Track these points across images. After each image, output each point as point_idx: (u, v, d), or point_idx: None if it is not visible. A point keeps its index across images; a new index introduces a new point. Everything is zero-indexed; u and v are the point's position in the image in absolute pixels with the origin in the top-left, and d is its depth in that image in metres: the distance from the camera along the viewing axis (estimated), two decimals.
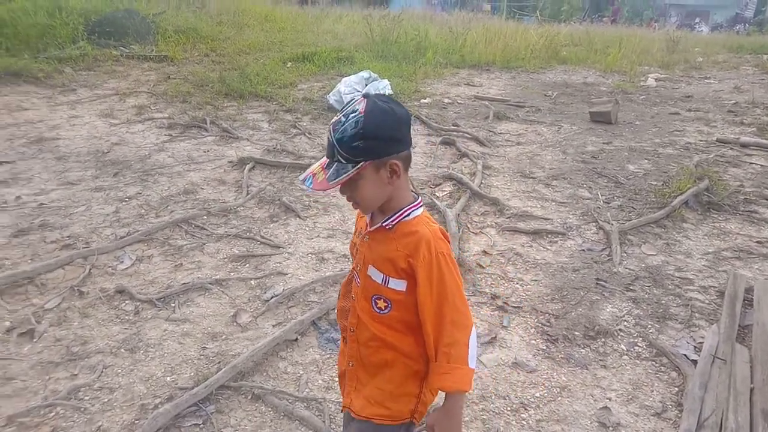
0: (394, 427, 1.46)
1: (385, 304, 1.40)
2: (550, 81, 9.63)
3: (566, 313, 3.11)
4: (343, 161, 1.27)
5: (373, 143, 1.26)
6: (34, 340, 2.75)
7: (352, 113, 1.27)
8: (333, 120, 1.30)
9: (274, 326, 2.95)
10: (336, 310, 1.65)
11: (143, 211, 4.16)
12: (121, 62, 8.51)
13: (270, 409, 2.37)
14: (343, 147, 1.26)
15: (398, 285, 1.37)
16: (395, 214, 1.38)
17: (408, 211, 1.38)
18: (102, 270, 3.38)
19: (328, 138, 1.28)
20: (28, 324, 2.85)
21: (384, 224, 1.39)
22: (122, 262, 3.48)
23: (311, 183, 1.29)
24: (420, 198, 1.42)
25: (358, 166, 1.27)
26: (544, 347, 2.83)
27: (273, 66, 8.88)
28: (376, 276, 1.39)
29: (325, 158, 1.32)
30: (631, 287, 3.39)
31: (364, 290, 1.43)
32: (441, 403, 1.41)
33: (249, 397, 2.44)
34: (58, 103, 6.70)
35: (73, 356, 2.64)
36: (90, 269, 3.35)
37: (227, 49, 9.82)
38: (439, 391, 1.43)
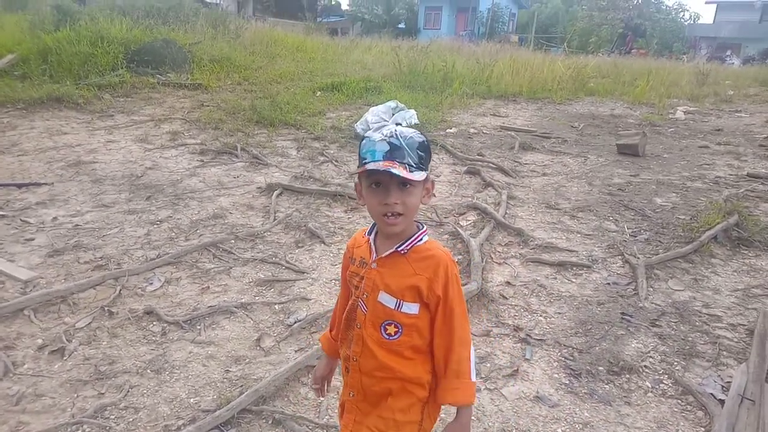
0: None
1: (396, 330, 1.43)
2: (577, 112, 9.64)
3: (590, 347, 3.07)
4: (414, 165, 1.33)
5: (427, 158, 1.38)
6: (65, 358, 2.83)
7: (408, 130, 1.37)
8: (385, 132, 1.36)
9: (296, 351, 2.98)
10: (339, 343, 1.64)
11: (173, 234, 4.28)
12: (157, 89, 8.84)
13: None
14: (413, 152, 1.34)
15: (411, 309, 1.42)
16: (409, 239, 1.44)
17: (420, 236, 1.45)
18: (132, 291, 3.47)
19: (391, 143, 1.33)
20: (60, 342, 2.94)
21: (399, 249, 1.43)
22: (151, 283, 3.58)
23: (398, 171, 1.30)
24: (425, 226, 1.50)
25: (426, 172, 1.36)
26: (567, 382, 2.79)
27: (303, 95, 9.11)
28: (389, 301, 1.42)
29: (384, 161, 1.32)
30: (657, 323, 3.33)
31: (374, 317, 1.45)
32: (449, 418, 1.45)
33: (270, 422, 2.46)
34: (96, 128, 6.97)
35: (100, 375, 2.71)
36: (120, 290, 3.44)
37: (259, 78, 10.11)
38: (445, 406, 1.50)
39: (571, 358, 2.98)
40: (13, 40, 9.44)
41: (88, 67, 8.86)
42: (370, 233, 1.52)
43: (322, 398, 2.02)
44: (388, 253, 1.44)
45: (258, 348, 3.00)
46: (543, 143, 7.32)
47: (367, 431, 1.47)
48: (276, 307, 3.40)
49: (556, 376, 2.83)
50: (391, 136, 1.34)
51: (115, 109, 7.85)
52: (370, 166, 1.32)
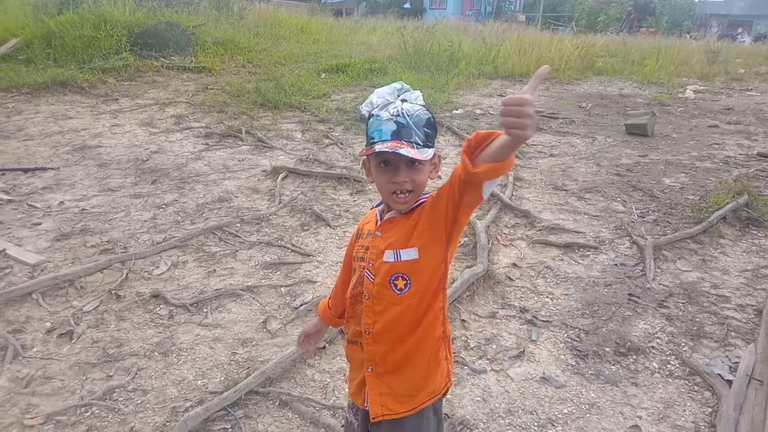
0: (439, 398, 1.51)
1: (404, 281, 1.42)
2: (585, 92, 9.52)
3: (597, 328, 3.06)
4: (421, 143, 1.33)
5: (433, 134, 1.38)
6: (73, 341, 2.85)
7: (413, 107, 1.36)
8: (391, 110, 1.35)
9: None
10: (345, 322, 1.62)
11: (179, 217, 4.28)
12: (161, 73, 8.79)
13: (297, 415, 2.40)
14: (420, 130, 1.34)
15: (410, 254, 1.41)
16: (414, 208, 1.45)
17: (422, 200, 1.46)
18: (138, 274, 3.49)
19: (398, 122, 1.33)
20: (68, 325, 2.96)
21: (403, 214, 1.46)
22: (158, 267, 3.59)
23: (406, 152, 1.30)
24: (428, 194, 1.47)
25: (433, 149, 1.37)
26: (574, 363, 2.78)
27: (307, 77, 9.04)
28: (389, 256, 1.43)
29: (392, 141, 1.32)
30: (664, 304, 3.32)
31: (382, 278, 1.44)
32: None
33: (277, 403, 2.47)
34: (101, 112, 6.96)
35: (109, 358, 2.73)
36: (127, 273, 3.46)
37: (263, 60, 10.04)
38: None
39: (578, 339, 2.97)
40: (17, 24, 9.40)
41: (91, 51, 8.82)
42: (378, 206, 1.55)
43: (302, 351, 2.12)
44: (389, 216, 1.46)
45: (264, 330, 3.02)
46: (550, 124, 7.25)
47: (399, 398, 1.46)
48: (282, 289, 3.41)
49: (562, 357, 2.83)
50: (398, 115, 1.34)
51: (120, 93, 7.83)
52: (378, 147, 1.32)
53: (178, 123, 6.66)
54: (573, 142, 6.50)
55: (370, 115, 1.41)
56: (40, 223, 4.12)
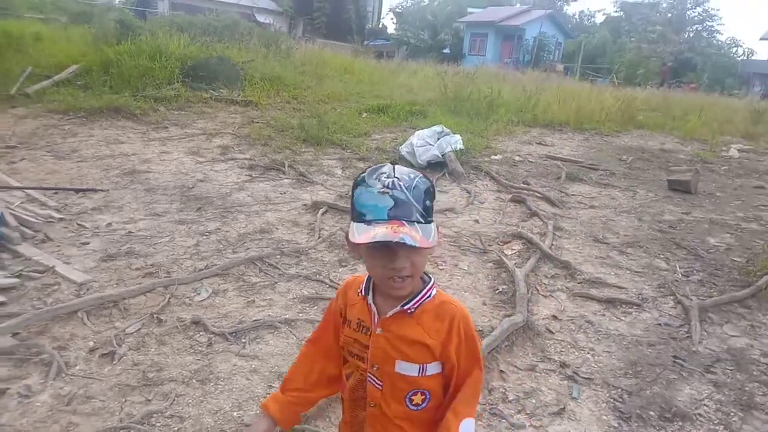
0: None
1: (423, 397, 1.28)
2: (625, 145, 9.47)
3: (640, 390, 2.96)
4: (422, 220, 1.16)
5: (433, 204, 1.21)
6: (114, 362, 2.89)
7: (409, 174, 1.19)
8: (384, 180, 1.17)
9: None
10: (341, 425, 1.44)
11: (221, 246, 4.36)
12: (210, 104, 9.12)
13: None
14: (420, 204, 1.17)
15: (435, 368, 1.28)
16: (416, 296, 1.27)
17: (429, 292, 1.29)
18: (180, 300, 3.54)
19: (395, 197, 1.15)
20: (110, 346, 3.01)
21: (405, 308, 1.27)
22: (199, 293, 3.64)
23: (412, 240, 1.12)
24: (432, 278, 1.33)
25: (434, 224, 1.19)
26: (616, 425, 2.69)
27: (349, 116, 9.24)
28: (411, 369, 1.26)
29: (390, 222, 1.14)
30: (711, 369, 3.19)
31: (394, 391, 1.28)
32: None
33: None
34: (151, 139, 7.22)
35: (148, 382, 2.76)
36: (169, 298, 3.51)
37: (308, 97, 10.32)
38: None
39: (621, 400, 2.88)
40: (79, 52, 9.93)
41: (145, 80, 9.22)
42: (366, 291, 1.33)
43: None
44: (393, 313, 1.27)
45: None
46: (590, 174, 7.21)
47: None
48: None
49: (604, 417, 2.74)
50: (393, 187, 1.15)
51: (170, 121, 8.12)
52: (377, 234, 1.12)
53: (224, 153, 6.86)
54: (614, 195, 6.44)
55: (357, 182, 1.21)
56: (88, 243, 4.25)
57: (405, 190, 1.16)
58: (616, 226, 5.39)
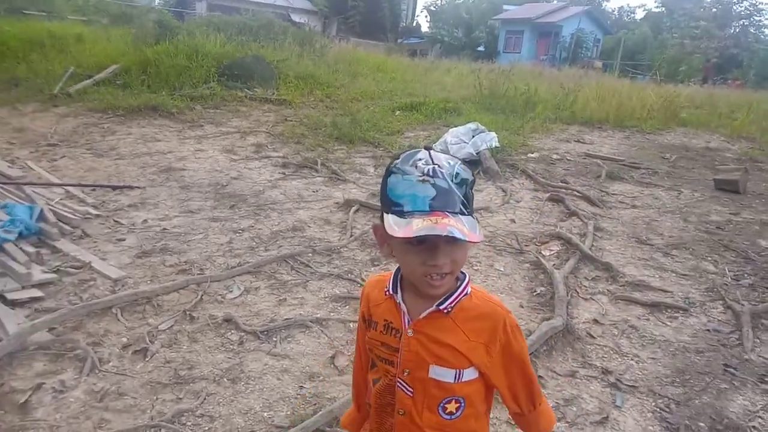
0: None
1: (458, 405, 1.18)
2: (668, 143, 9.12)
3: (689, 399, 2.79)
4: (466, 212, 1.05)
5: (473, 194, 1.11)
6: (147, 359, 2.89)
7: (449, 160, 1.08)
8: (422, 166, 1.06)
9: None
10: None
11: (254, 243, 4.35)
12: (244, 103, 9.19)
13: None
14: (465, 195, 1.07)
15: (472, 374, 1.18)
16: (452, 294, 1.16)
17: (465, 289, 1.17)
18: (212, 297, 3.53)
19: (437, 186, 1.03)
20: (143, 342, 3.01)
21: (441, 308, 1.16)
22: (231, 291, 3.62)
23: (463, 235, 1.01)
24: (466, 274, 1.21)
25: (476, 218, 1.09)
26: None
27: (382, 113, 9.18)
28: (446, 375, 1.16)
29: (432, 213, 1.03)
30: (765, 379, 2.99)
31: (427, 398, 1.18)
32: None
33: None
34: (187, 137, 7.30)
35: (179, 380, 2.74)
36: (202, 295, 3.51)
37: (341, 95, 10.30)
38: None
39: (668, 410, 2.72)
40: (118, 52, 10.15)
41: (182, 79, 9.36)
42: (394, 290, 1.21)
43: None
44: (427, 313, 1.16)
45: (332, 366, 2.95)
46: (632, 173, 6.95)
47: None
48: (350, 324, 3.34)
49: (651, 428, 2.59)
50: (434, 175, 1.04)
51: (205, 119, 8.21)
52: (420, 228, 1.00)
53: (258, 151, 6.88)
54: (657, 194, 6.19)
55: (390, 170, 1.09)
56: (124, 239, 4.29)
57: (447, 178, 1.05)
58: (660, 226, 5.17)
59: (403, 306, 1.18)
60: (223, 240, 4.37)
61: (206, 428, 2.42)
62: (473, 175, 1.12)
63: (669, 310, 3.66)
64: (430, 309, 1.15)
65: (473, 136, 7.13)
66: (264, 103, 9.34)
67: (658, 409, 2.72)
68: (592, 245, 4.56)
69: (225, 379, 2.77)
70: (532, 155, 7.51)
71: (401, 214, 1.04)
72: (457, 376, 1.16)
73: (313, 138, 7.51)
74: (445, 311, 1.16)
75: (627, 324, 3.46)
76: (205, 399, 2.61)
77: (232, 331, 3.18)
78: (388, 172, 1.10)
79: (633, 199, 6.00)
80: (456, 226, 1.01)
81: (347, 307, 3.56)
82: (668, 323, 3.52)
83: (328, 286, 3.80)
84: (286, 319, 3.32)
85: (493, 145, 7.05)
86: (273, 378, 2.81)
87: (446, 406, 1.18)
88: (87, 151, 6.50)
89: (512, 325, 1.19)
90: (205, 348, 3.02)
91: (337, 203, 5.34)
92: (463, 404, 1.18)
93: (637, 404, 2.75)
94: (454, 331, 1.15)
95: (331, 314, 3.45)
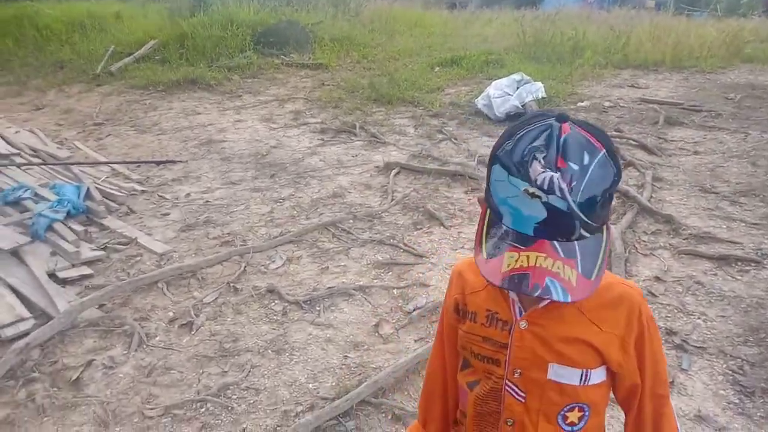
0: None
1: (581, 414, 0.98)
2: (732, 82, 8.43)
3: (765, 360, 2.57)
4: (588, 233, 0.82)
5: (613, 195, 0.85)
6: (192, 332, 2.90)
7: (584, 151, 0.81)
8: (540, 178, 0.79)
9: (416, 341, 2.81)
10: None
11: (295, 212, 4.29)
12: (281, 70, 9.07)
13: None
14: (593, 210, 0.81)
15: (601, 376, 0.97)
16: None
17: None
18: (255, 268, 3.50)
19: (550, 206, 0.80)
20: (188, 316, 3.01)
21: None
22: (274, 261, 3.59)
23: (566, 295, 0.79)
24: None
25: (605, 234, 0.86)
26: (737, 400, 2.34)
27: (421, 71, 8.87)
28: (571, 377, 0.95)
29: (535, 243, 0.82)
30: None
31: (545, 405, 0.97)
32: None
33: (389, 417, 2.31)
34: (226, 108, 7.28)
35: (224, 352, 2.73)
36: (245, 267, 3.48)
37: (378, 55, 10.02)
38: None
39: (741, 371, 2.51)
40: (155, 27, 10.18)
41: (219, 50, 9.30)
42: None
43: None
44: (545, 303, 0.95)
45: (376, 334, 2.87)
46: (692, 117, 6.45)
47: None
48: (394, 291, 3.25)
49: (722, 392, 2.39)
50: (550, 191, 0.78)
51: (243, 89, 8.15)
52: (507, 282, 0.80)
53: (296, 119, 6.78)
54: (721, 138, 5.72)
55: (496, 155, 0.85)
56: (168, 214, 4.32)
57: (569, 195, 0.78)
58: (726, 173, 4.78)
59: (512, 293, 0.97)
60: (264, 210, 4.33)
61: (251, 401, 2.40)
62: (618, 168, 0.83)
63: (739, 263, 3.37)
64: (548, 299, 0.91)
65: (518, 88, 6.77)
66: (300, 69, 9.19)
67: (729, 372, 2.51)
68: (651, 197, 4.26)
69: (269, 351, 2.74)
70: (582, 104, 7.09)
71: (498, 225, 0.85)
72: (584, 377, 0.95)
73: (350, 101, 7.33)
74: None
75: (692, 280, 3.22)
76: (249, 371, 2.59)
77: (276, 302, 3.14)
78: (494, 157, 0.85)
79: (695, 144, 5.57)
80: (558, 275, 0.79)
81: (390, 273, 3.46)
82: (739, 277, 3.25)
83: (371, 252, 3.70)
84: (329, 287, 3.26)
85: (540, 96, 6.69)
86: (317, 348, 2.76)
87: (567, 414, 0.98)
88: (131, 128, 6.58)
89: (648, 316, 0.98)
90: (249, 320, 2.99)
91: (377, 167, 5.20)
92: (587, 413, 0.98)
93: (706, 366, 2.55)
94: (580, 322, 0.94)
95: (374, 281, 3.36)
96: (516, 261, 0.81)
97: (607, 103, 7.11)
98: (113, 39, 9.84)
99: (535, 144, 0.81)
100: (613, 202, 0.85)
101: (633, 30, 10.84)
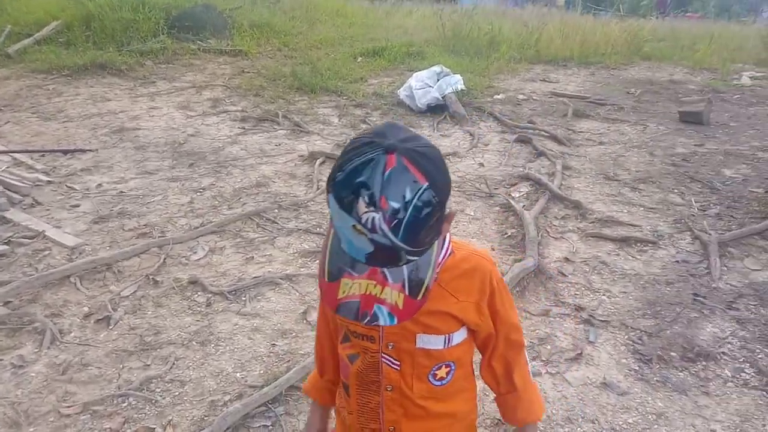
0: None
1: (448, 370, 1.12)
2: (633, 78, 9.09)
3: (660, 330, 2.84)
4: (415, 255, 0.88)
5: (444, 205, 0.90)
6: (110, 327, 2.78)
7: (407, 187, 0.82)
8: (364, 217, 0.81)
9: None
10: (346, 411, 1.22)
11: (216, 202, 4.19)
12: (198, 56, 8.73)
13: None
14: (417, 240, 0.86)
15: (462, 335, 1.11)
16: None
17: (448, 248, 1.07)
18: (176, 260, 3.40)
19: (375, 242, 0.83)
20: (105, 311, 2.89)
21: None
22: (195, 252, 3.50)
23: (392, 318, 0.87)
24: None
25: (436, 246, 0.93)
26: (637, 368, 2.58)
27: (344, 61, 8.86)
28: (436, 342, 1.08)
29: (367, 268, 0.87)
30: (734, 305, 3.06)
31: (416, 369, 1.10)
32: None
33: None
34: (139, 95, 6.93)
35: (146, 346, 2.65)
36: (165, 259, 3.37)
37: (299, 44, 9.89)
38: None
39: (640, 341, 2.76)
40: (58, 7, 9.44)
41: (130, 34, 8.79)
42: None
43: None
44: None
45: (305, 321, 2.89)
46: (598, 110, 6.91)
47: None
48: None
49: (624, 361, 2.62)
50: (373, 231, 0.82)
51: (157, 75, 7.79)
52: (343, 309, 0.87)
53: (215, 106, 6.58)
54: (623, 130, 6.18)
55: (330, 185, 0.86)
56: (78, 205, 4.09)
57: (390, 235, 0.82)
58: (627, 161, 5.17)
59: None
60: (183, 200, 4.20)
61: (176, 393, 2.35)
62: (442, 192, 0.88)
63: (638, 244, 3.69)
64: None
65: (438, 80, 6.94)
66: (218, 55, 8.89)
67: (630, 342, 2.76)
68: (561, 184, 4.54)
69: (194, 343, 2.68)
70: (498, 97, 7.39)
71: (337, 248, 0.90)
72: (447, 341, 1.09)
73: (272, 89, 7.21)
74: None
75: (597, 260, 3.48)
76: (173, 364, 2.53)
77: (199, 293, 3.08)
78: (329, 187, 0.87)
79: (600, 135, 5.98)
80: (385, 301, 0.86)
81: (317, 261, 3.47)
82: (638, 257, 3.55)
83: (297, 241, 3.70)
84: (255, 277, 3.23)
85: (459, 88, 6.89)
86: (244, 338, 2.74)
87: (436, 372, 1.11)
88: (32, 114, 6.11)
89: (498, 279, 1.13)
90: (171, 312, 2.91)
91: (301, 156, 5.17)
92: (453, 368, 1.13)
93: (610, 338, 2.79)
94: (442, 296, 1.05)
95: (301, 270, 3.37)
96: (350, 288, 0.87)
97: (521, 96, 7.45)
98: (10, 19, 9.05)
99: (360, 179, 0.82)
100: (448, 211, 0.93)
101: (544, 27, 11.37)
